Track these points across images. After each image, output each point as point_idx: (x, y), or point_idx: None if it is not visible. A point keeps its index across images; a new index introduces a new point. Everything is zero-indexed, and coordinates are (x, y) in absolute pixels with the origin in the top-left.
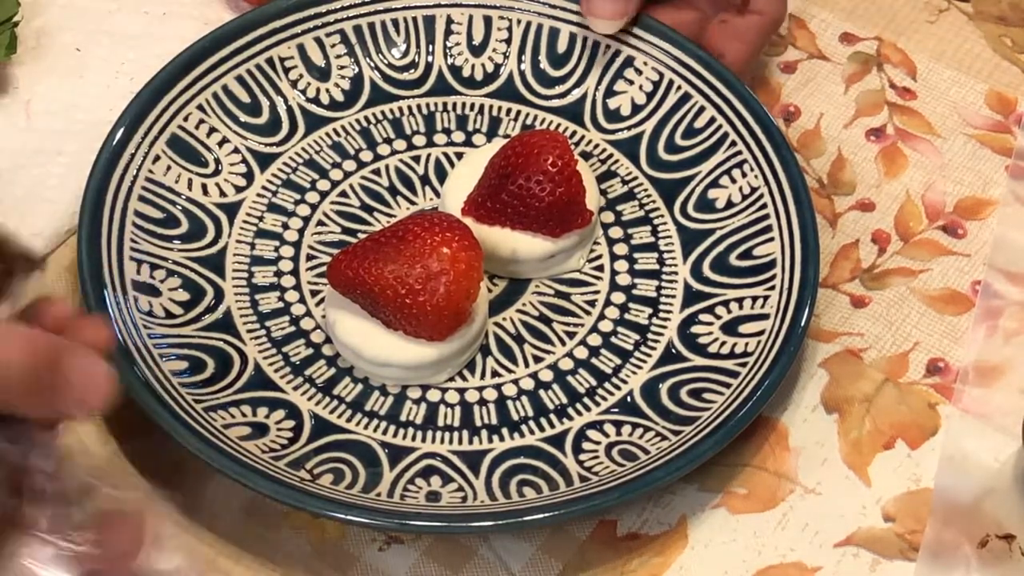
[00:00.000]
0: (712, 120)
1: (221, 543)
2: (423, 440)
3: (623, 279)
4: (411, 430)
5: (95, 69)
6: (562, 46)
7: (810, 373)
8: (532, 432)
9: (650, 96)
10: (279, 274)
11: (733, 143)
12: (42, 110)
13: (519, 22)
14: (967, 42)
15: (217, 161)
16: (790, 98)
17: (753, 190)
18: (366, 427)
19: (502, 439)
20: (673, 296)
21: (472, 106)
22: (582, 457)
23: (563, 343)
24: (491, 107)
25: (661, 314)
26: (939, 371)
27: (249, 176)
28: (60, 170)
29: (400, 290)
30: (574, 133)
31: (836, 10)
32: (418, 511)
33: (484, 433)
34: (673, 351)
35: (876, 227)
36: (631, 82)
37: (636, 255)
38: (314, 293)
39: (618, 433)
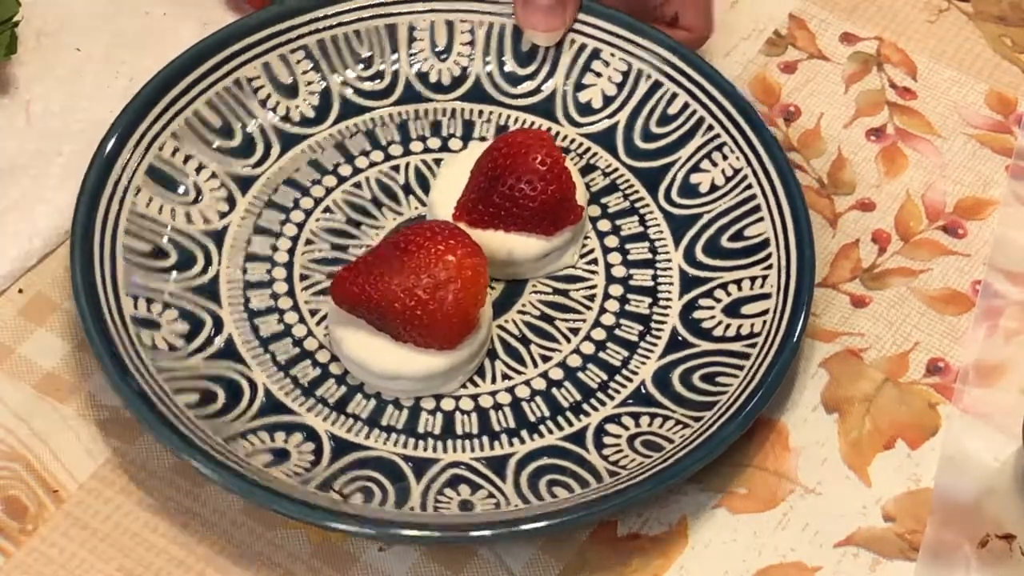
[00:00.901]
0: (686, 106)
1: (221, 542)
2: (444, 450)
3: (618, 271)
4: (431, 441)
5: (95, 69)
6: (526, 44)
7: (810, 373)
8: (551, 432)
9: (620, 87)
10: (275, 296)
11: (710, 127)
12: (42, 110)
13: (481, 24)
14: (967, 42)
15: (197, 188)
16: (790, 98)
17: (736, 172)
18: (385, 442)
19: (523, 441)
20: (670, 283)
21: (444, 111)
22: (606, 452)
23: (568, 340)
24: (463, 110)
25: (661, 302)
26: (939, 371)
27: (231, 201)
28: (60, 170)
29: (409, 302)
30: (549, 129)
31: (836, 10)
32: (417, 520)
33: (504, 437)
34: (679, 338)
35: (876, 227)
36: (599, 74)
37: (628, 246)
38: (313, 312)
39: (637, 425)
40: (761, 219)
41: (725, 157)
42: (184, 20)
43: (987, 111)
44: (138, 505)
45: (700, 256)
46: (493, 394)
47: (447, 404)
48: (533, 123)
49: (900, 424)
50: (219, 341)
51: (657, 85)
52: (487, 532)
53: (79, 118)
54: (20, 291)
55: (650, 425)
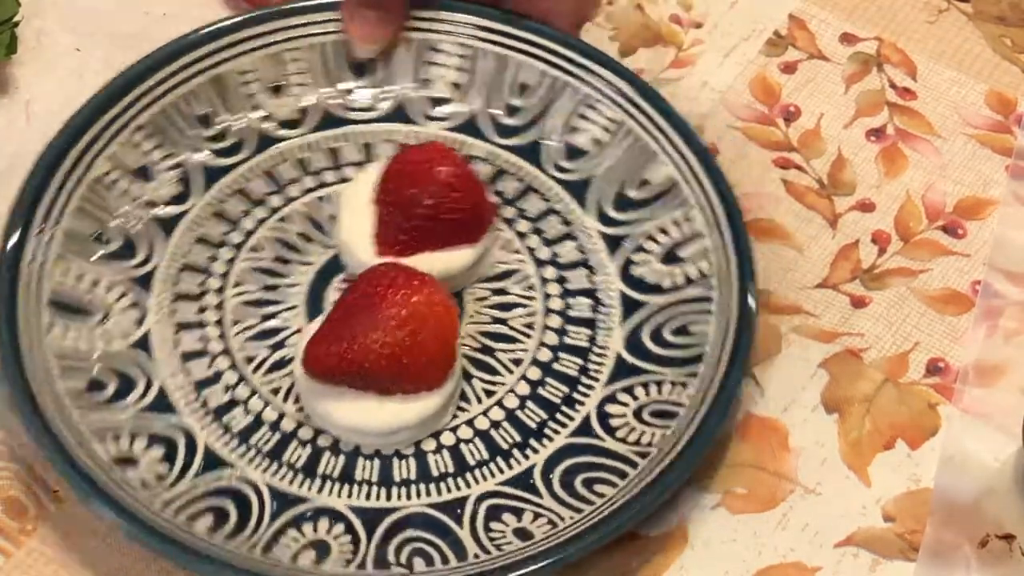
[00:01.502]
0: (543, 73)
1: None
2: (467, 485)
3: (542, 253)
4: (451, 481)
5: (95, 69)
6: (360, 57)
7: (810, 373)
8: (557, 432)
9: (462, 70)
10: (230, 388)
11: (573, 86)
12: (42, 110)
13: (309, 49)
14: (967, 42)
15: (102, 304)
16: (790, 98)
17: (615, 122)
18: (409, 497)
19: (535, 451)
20: (597, 250)
21: (303, 147)
22: (620, 434)
23: (529, 337)
24: (321, 140)
25: (596, 271)
26: (939, 371)
27: (139, 306)
28: None
29: (393, 353)
30: (414, 134)
31: (836, 10)
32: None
33: (516, 453)
34: (630, 299)
35: (876, 227)
36: (441, 65)
37: (538, 224)
38: (275, 391)
39: (635, 398)
40: (661, 161)
41: (597, 111)
42: (184, 20)
43: (987, 111)
44: None
45: (612, 213)
46: (485, 413)
47: (447, 439)
48: (393, 132)
49: (900, 424)
50: (199, 454)
51: (503, 60)
52: (571, 549)
53: None
54: None
55: (648, 395)
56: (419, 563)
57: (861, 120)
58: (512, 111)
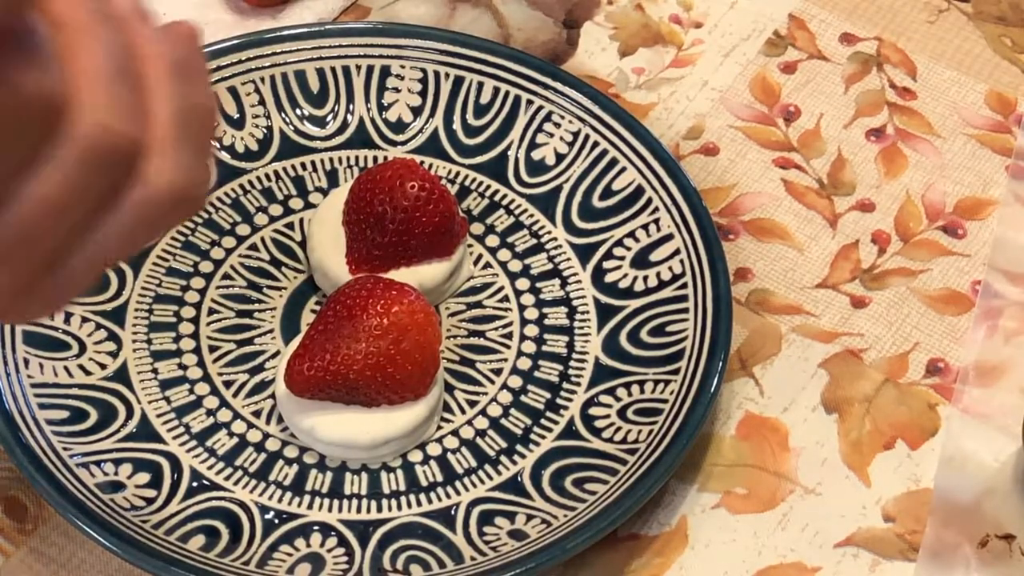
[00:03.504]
0: (496, 90)
1: None
2: (457, 493)
3: (514, 266)
4: (440, 490)
5: None
6: (315, 85)
7: (810, 373)
8: (543, 438)
9: (422, 94)
10: (211, 413)
11: (529, 102)
12: None
13: (264, 80)
14: (967, 42)
15: (76, 338)
16: (790, 98)
17: (575, 134)
18: (400, 508)
19: (523, 456)
20: (567, 258)
21: (267, 176)
22: (606, 435)
23: (507, 347)
24: (285, 169)
25: (570, 279)
26: (939, 371)
27: (114, 338)
28: None
29: (377, 363)
30: (375, 159)
31: (836, 10)
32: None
33: (503, 459)
34: (605, 305)
35: (876, 227)
36: (398, 90)
37: (509, 239)
38: (257, 414)
39: (617, 399)
40: (624, 169)
41: (558, 125)
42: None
43: (987, 111)
44: None
45: (580, 223)
46: (470, 422)
47: (434, 449)
48: (357, 157)
49: (900, 424)
50: (185, 478)
51: (459, 81)
52: (576, 541)
53: None
54: None
55: (630, 395)
56: (416, 569)
57: (861, 120)
58: (472, 130)
